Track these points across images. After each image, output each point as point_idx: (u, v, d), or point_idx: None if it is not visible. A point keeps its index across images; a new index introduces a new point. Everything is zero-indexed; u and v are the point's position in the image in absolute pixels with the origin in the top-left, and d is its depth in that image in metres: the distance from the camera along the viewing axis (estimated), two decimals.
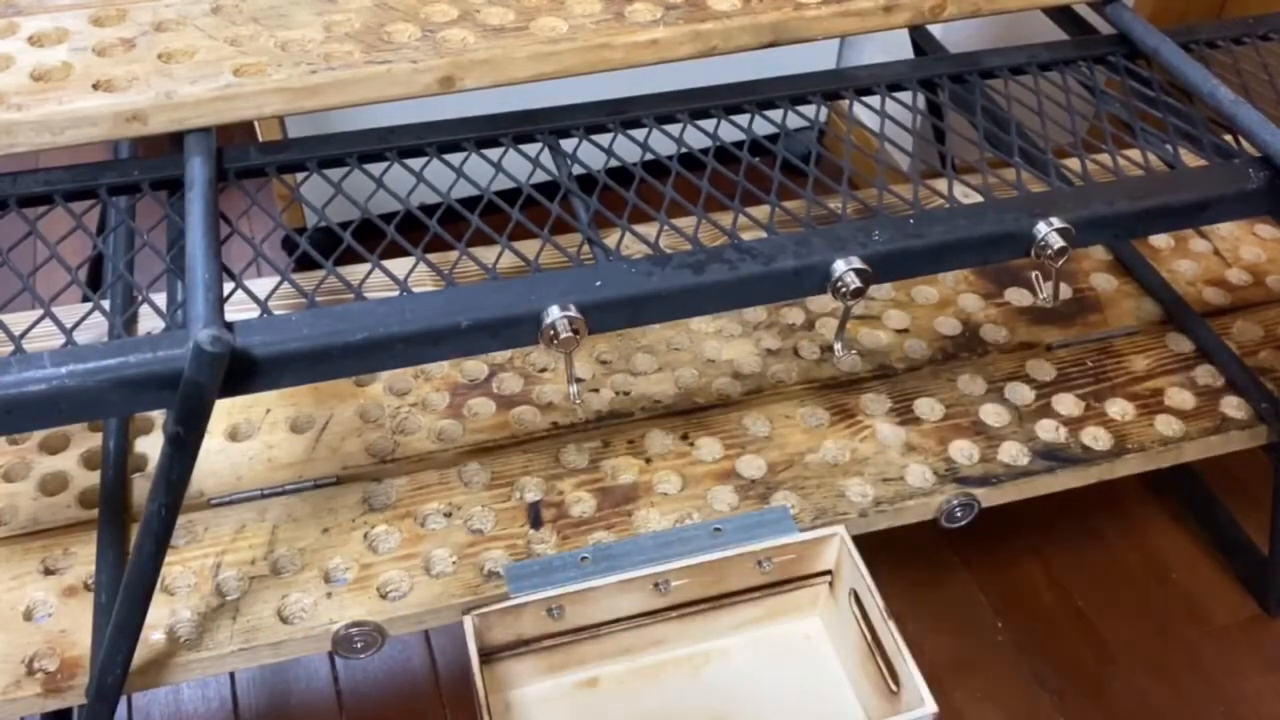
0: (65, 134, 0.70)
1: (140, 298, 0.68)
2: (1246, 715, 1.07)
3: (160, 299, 0.69)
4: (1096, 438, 0.98)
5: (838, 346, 0.82)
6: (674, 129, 0.82)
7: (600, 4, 0.81)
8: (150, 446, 0.94)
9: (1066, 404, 1.01)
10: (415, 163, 0.78)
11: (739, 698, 0.86)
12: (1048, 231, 0.71)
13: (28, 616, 0.82)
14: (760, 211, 0.75)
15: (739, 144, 0.80)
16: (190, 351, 0.58)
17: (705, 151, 0.79)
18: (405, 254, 0.72)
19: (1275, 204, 0.79)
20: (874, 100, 0.86)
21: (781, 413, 1.00)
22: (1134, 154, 0.81)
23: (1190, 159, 0.81)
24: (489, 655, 0.83)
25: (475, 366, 1.03)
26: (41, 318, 0.66)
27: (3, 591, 0.83)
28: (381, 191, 0.75)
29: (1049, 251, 0.70)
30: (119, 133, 0.71)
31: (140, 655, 0.77)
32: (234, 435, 0.95)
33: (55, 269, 0.70)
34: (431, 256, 0.71)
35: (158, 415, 0.96)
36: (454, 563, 0.86)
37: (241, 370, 0.61)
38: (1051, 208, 0.73)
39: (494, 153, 0.79)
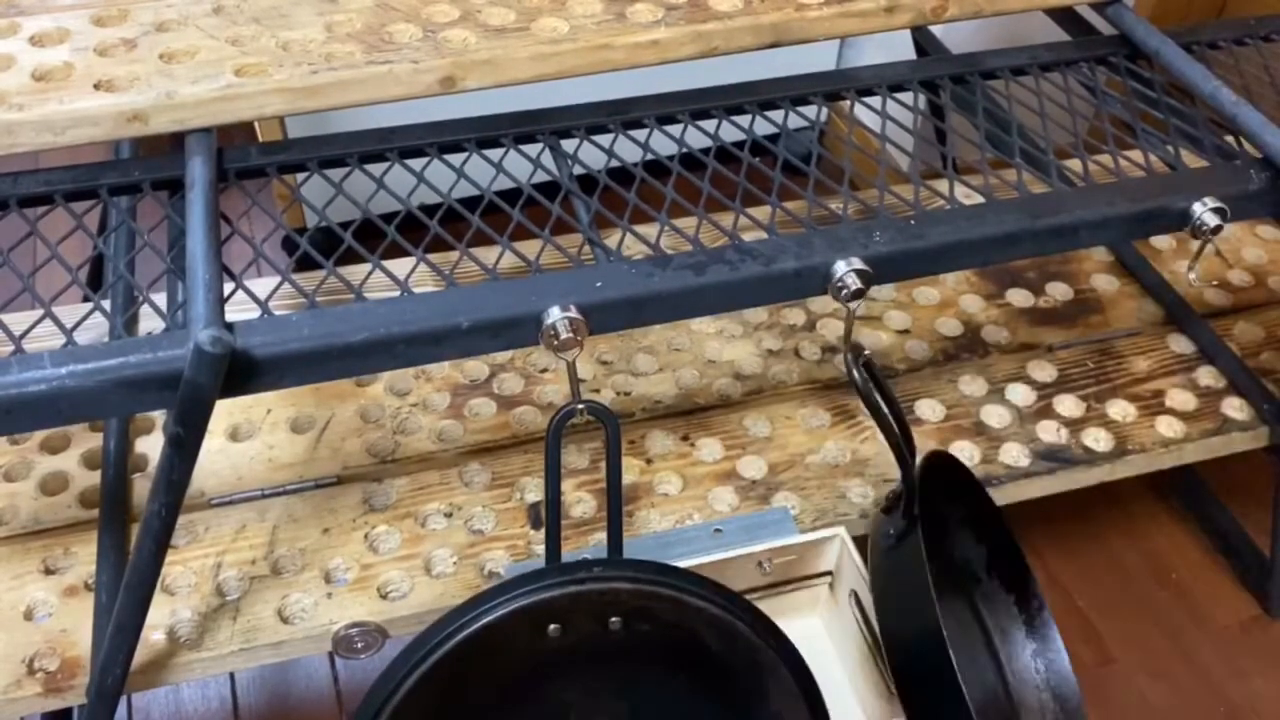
0: (66, 134, 0.70)
1: (141, 298, 0.68)
2: (1247, 716, 1.07)
3: (161, 299, 0.69)
4: (1098, 439, 0.98)
5: (847, 357, 0.82)
6: (675, 129, 0.82)
7: (601, 4, 0.81)
8: (151, 446, 0.94)
9: (1068, 405, 1.01)
10: (416, 163, 0.78)
11: None
12: None
13: (28, 616, 0.82)
14: (761, 212, 0.75)
15: (740, 144, 0.80)
16: (190, 352, 0.58)
17: (706, 152, 0.79)
18: (406, 254, 0.72)
19: (1277, 205, 0.79)
20: (875, 101, 0.86)
21: (782, 413, 0.99)
22: (1135, 155, 0.81)
23: (1192, 160, 0.81)
24: None
25: (476, 367, 1.03)
26: (42, 318, 0.66)
27: (3, 591, 0.83)
28: (382, 192, 0.75)
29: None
30: (120, 133, 0.71)
31: (140, 655, 0.77)
32: (234, 435, 0.95)
33: (56, 269, 0.70)
34: (432, 257, 0.71)
35: (158, 415, 0.96)
36: (454, 563, 0.86)
37: (242, 371, 0.61)
38: (1053, 209, 0.73)
39: (495, 153, 0.79)
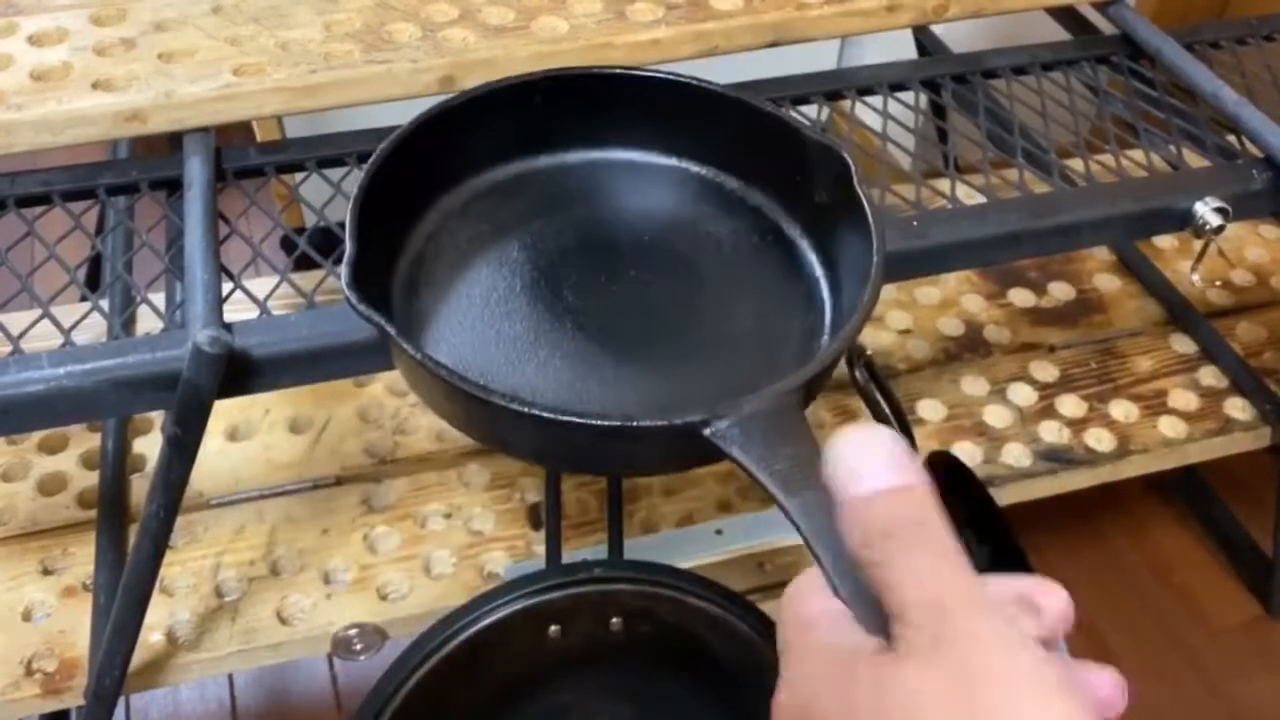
0: (64, 134, 0.70)
1: (139, 298, 0.68)
2: (1248, 716, 1.06)
3: (159, 299, 0.69)
4: (1100, 439, 0.98)
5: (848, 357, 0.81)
6: None
7: (601, 4, 0.81)
8: (149, 447, 0.93)
9: (1070, 405, 1.01)
10: None
11: None
12: None
13: (26, 617, 0.81)
14: None
15: None
16: (189, 352, 0.58)
17: None
18: None
19: (1279, 205, 0.79)
20: (876, 100, 0.86)
21: None
22: (1137, 154, 0.81)
23: (1194, 159, 0.81)
24: None
25: None
26: (40, 318, 0.65)
27: (1, 592, 0.83)
28: None
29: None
30: (118, 132, 0.71)
31: (139, 656, 0.77)
32: (233, 436, 0.95)
33: (54, 269, 0.70)
34: None
35: (157, 415, 0.95)
36: (454, 564, 0.86)
37: (240, 371, 0.61)
38: (1055, 209, 0.73)
39: None
